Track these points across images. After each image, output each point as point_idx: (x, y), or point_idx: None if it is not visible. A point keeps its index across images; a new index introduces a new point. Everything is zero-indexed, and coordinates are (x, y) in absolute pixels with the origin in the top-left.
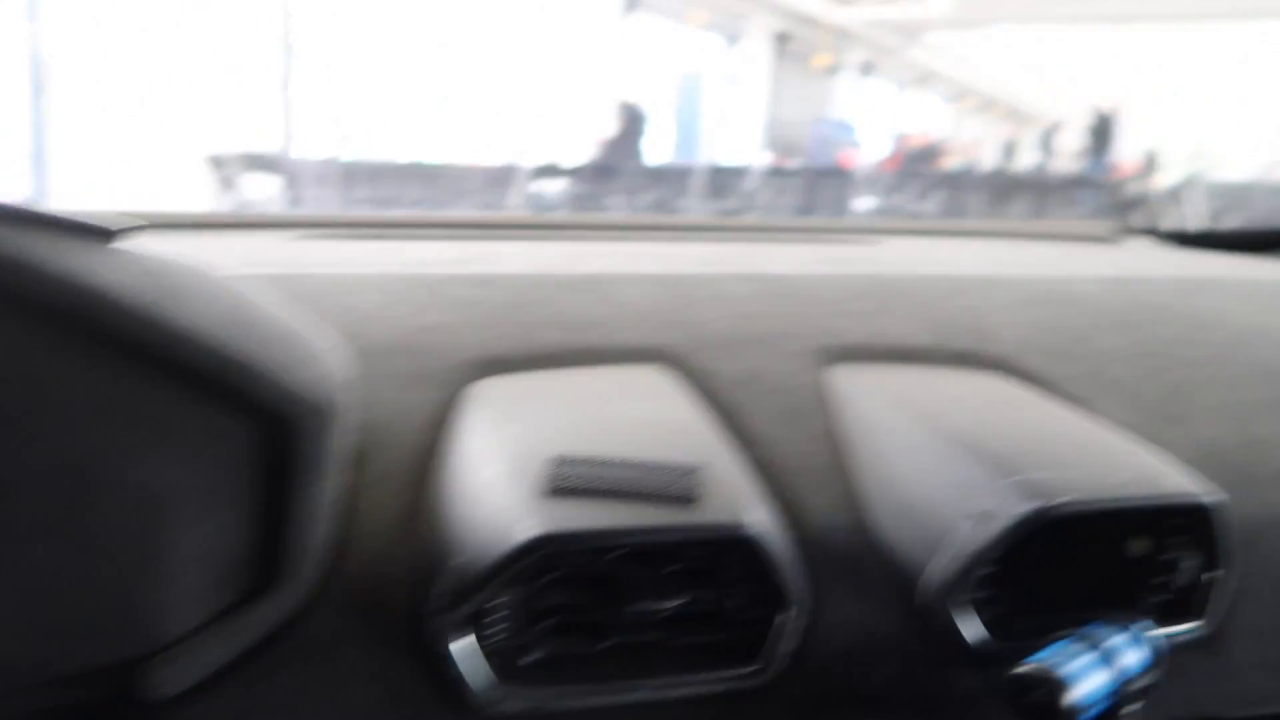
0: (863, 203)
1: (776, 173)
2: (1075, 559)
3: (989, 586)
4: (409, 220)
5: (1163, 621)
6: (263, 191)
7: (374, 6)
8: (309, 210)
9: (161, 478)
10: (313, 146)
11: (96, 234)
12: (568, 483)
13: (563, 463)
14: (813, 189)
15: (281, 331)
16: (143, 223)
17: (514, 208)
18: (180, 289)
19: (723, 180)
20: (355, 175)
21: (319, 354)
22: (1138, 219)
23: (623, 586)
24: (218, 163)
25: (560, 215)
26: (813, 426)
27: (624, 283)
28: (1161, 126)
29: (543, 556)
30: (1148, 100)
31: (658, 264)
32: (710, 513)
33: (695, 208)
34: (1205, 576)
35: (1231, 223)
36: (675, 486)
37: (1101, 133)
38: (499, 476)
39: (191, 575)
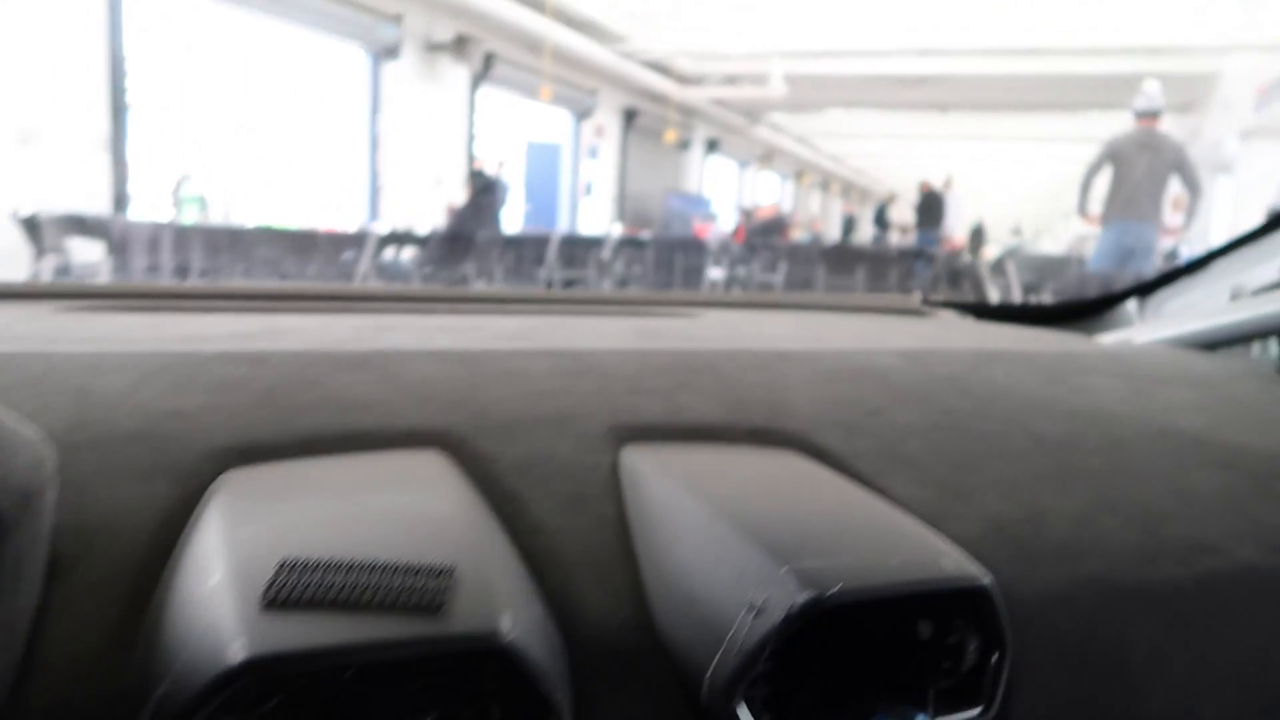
0: (715, 272)
1: (630, 242)
2: (866, 645)
3: (773, 681)
4: (194, 291)
5: (950, 708)
6: (87, 256)
7: (220, 70)
8: (136, 278)
9: None
10: (149, 209)
11: None
12: (290, 592)
13: (288, 569)
14: (666, 259)
15: None
16: None
17: (363, 275)
18: None
19: (577, 249)
20: (191, 240)
21: (7, 448)
22: (966, 288)
23: (364, 707)
24: (34, 225)
25: (362, 287)
26: (599, 512)
27: (411, 360)
28: (987, 202)
29: (260, 680)
30: (975, 178)
31: (455, 339)
32: (456, 621)
33: (549, 276)
34: (993, 659)
35: (1047, 291)
36: (418, 592)
37: (932, 208)
38: (222, 585)
39: None
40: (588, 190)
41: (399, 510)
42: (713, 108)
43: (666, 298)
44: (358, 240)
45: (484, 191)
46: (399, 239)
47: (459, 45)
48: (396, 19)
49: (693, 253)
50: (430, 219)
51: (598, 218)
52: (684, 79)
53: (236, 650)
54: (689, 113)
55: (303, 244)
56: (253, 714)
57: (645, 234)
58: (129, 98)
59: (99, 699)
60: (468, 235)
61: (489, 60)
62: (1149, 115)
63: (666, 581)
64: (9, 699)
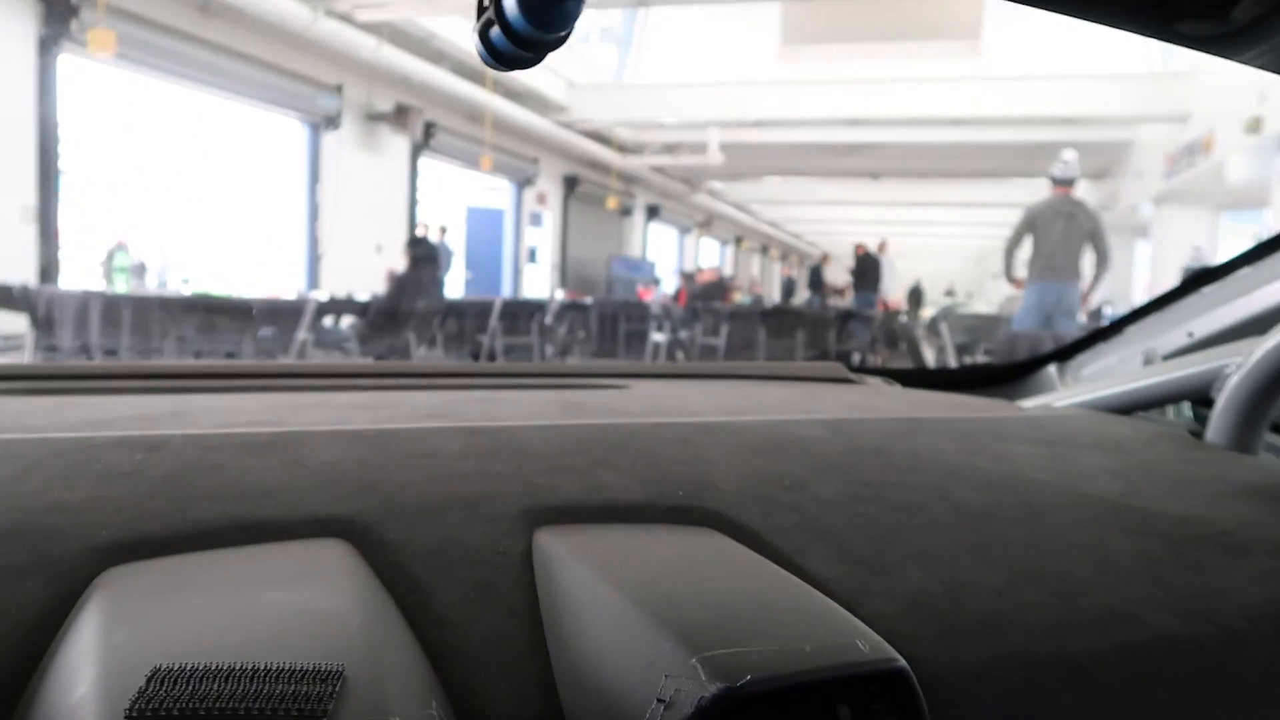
0: (658, 336)
1: (573, 307)
2: None
3: None
4: (102, 371)
5: None
6: (11, 327)
7: (158, 138)
8: (62, 349)
9: None
10: (80, 278)
11: None
12: (160, 705)
13: (159, 679)
14: (609, 323)
15: None
16: None
17: (300, 344)
18: None
19: (520, 315)
20: (121, 310)
21: None
22: (902, 347)
23: None
24: None
25: (279, 364)
26: (509, 601)
27: (320, 441)
28: (922, 265)
29: None
30: (909, 241)
31: (370, 418)
32: None
33: (491, 343)
34: None
35: (980, 349)
36: (301, 699)
37: (868, 271)
38: (88, 699)
39: None
40: (531, 256)
41: (291, 608)
42: (653, 175)
43: (596, 369)
44: (296, 308)
45: (425, 258)
46: (338, 307)
47: (399, 115)
48: (337, 89)
49: (635, 316)
50: (371, 286)
51: (541, 283)
52: (624, 148)
53: None
54: (630, 180)
55: (238, 312)
56: None
57: (588, 299)
58: (61, 164)
59: None
60: (408, 302)
61: (429, 130)
62: (1064, 183)
63: (577, 673)
64: None
